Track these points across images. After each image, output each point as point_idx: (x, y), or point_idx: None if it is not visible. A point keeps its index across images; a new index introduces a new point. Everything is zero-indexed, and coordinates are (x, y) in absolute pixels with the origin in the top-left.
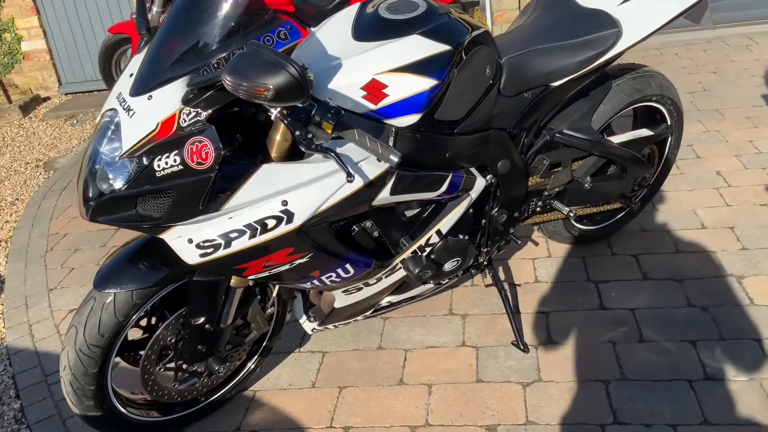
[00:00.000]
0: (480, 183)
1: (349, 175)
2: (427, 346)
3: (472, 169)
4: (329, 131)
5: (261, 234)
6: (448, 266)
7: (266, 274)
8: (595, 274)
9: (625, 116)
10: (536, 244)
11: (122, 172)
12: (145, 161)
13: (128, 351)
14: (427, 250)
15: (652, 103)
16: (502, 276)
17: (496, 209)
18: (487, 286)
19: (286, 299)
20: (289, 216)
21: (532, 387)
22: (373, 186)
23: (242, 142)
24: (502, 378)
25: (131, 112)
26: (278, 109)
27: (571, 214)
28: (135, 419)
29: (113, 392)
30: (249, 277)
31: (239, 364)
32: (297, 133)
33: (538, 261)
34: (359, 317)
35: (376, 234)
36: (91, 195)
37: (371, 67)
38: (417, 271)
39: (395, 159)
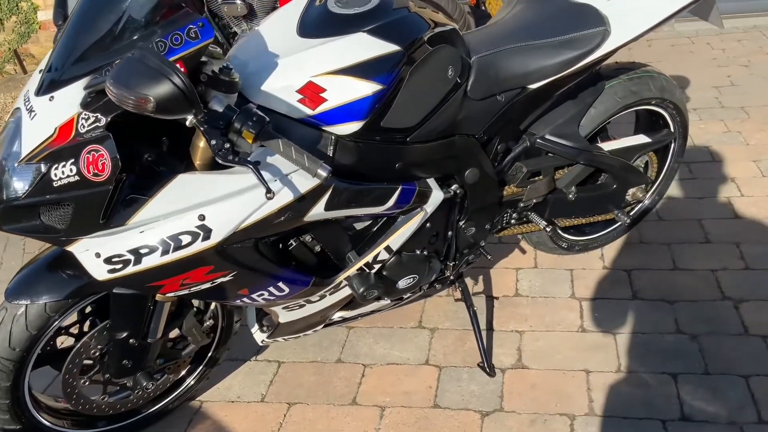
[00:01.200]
0: (436, 196)
1: (268, 191)
2: (388, 362)
3: (430, 181)
4: (250, 141)
5: (175, 251)
6: (402, 284)
7: (186, 292)
8: (582, 290)
9: (627, 121)
10: (523, 252)
11: (23, 178)
12: (43, 168)
13: (58, 359)
14: (376, 266)
15: (651, 106)
16: (480, 286)
17: (463, 221)
18: (456, 300)
19: (232, 309)
20: (207, 232)
21: (492, 417)
22: (305, 200)
23: (169, 145)
24: (461, 404)
25: (33, 114)
26: (193, 114)
27: (548, 229)
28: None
29: (35, 402)
30: (167, 295)
31: (180, 376)
32: (213, 142)
33: (522, 272)
34: (310, 332)
35: (317, 249)
36: None
37: (308, 69)
38: (362, 290)
39: (323, 174)
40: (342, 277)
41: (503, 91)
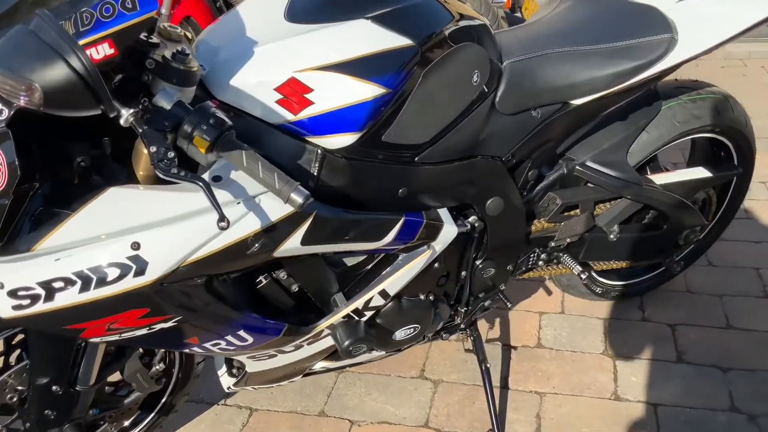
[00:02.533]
0: (449, 231)
1: (221, 218)
2: (380, 419)
3: (441, 212)
4: (203, 150)
5: (98, 288)
6: (399, 335)
7: (115, 338)
8: (617, 345)
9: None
10: (549, 293)
11: None
12: None
13: None
14: (368, 314)
15: (714, 135)
16: (495, 332)
17: (481, 260)
18: (466, 350)
19: None
20: (141, 266)
21: None
22: (275, 231)
23: (114, 149)
24: None
25: None
26: (129, 111)
27: (583, 276)
28: None
29: None
30: (91, 340)
31: (123, 427)
32: (153, 149)
33: (546, 317)
34: (286, 382)
35: (294, 288)
36: None
37: (292, 61)
38: (347, 343)
39: (298, 199)
40: (323, 325)
41: (540, 105)
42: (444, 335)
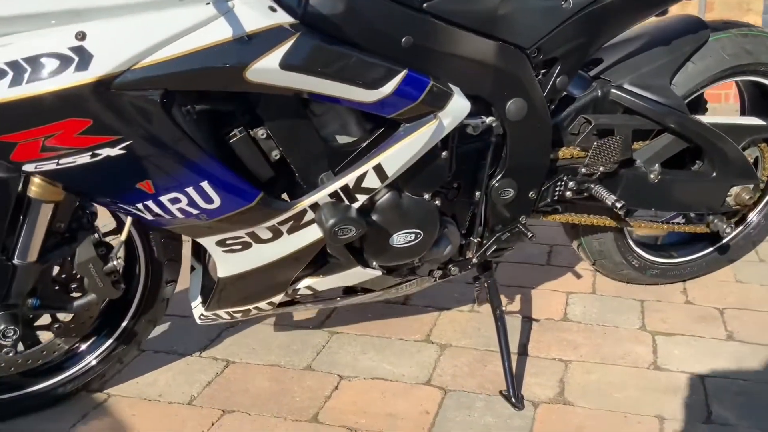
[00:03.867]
0: (459, 104)
1: None
2: (374, 376)
3: (452, 86)
4: None
5: (31, 80)
6: (397, 239)
7: (52, 165)
8: (656, 323)
9: None
10: (578, 276)
11: None
12: None
13: None
14: (361, 199)
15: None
16: (515, 306)
17: (498, 177)
18: (479, 304)
19: (160, 260)
20: (85, 60)
21: None
22: (251, 43)
23: None
24: None
25: None
26: None
27: (618, 205)
28: None
29: None
30: (25, 166)
31: (75, 347)
32: None
33: (575, 296)
34: (264, 305)
35: (275, 155)
36: None
37: None
38: (332, 221)
39: None
40: (306, 201)
41: None
42: (452, 269)
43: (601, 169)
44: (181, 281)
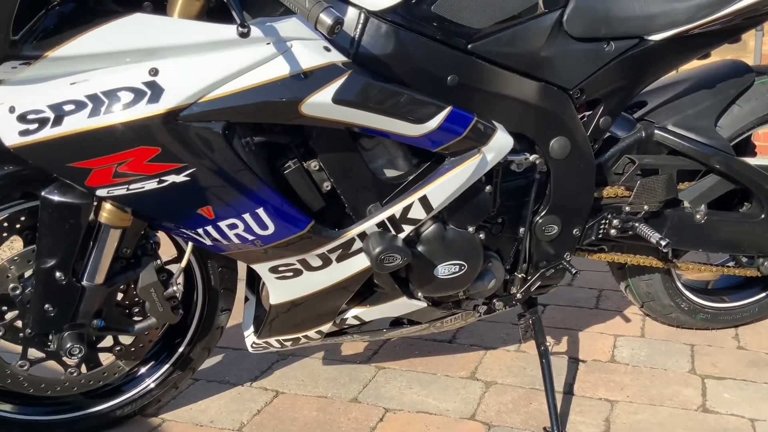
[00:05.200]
0: (502, 140)
1: (242, 23)
2: (419, 410)
3: (496, 123)
4: None
5: (108, 112)
6: (442, 270)
7: (122, 190)
8: (706, 366)
9: None
10: (627, 320)
11: None
12: None
13: None
14: (407, 229)
15: None
16: (562, 347)
17: (542, 214)
18: (524, 337)
19: (217, 289)
20: (156, 93)
21: None
22: (306, 79)
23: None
24: None
25: None
26: None
27: (662, 243)
28: None
29: None
30: (98, 191)
31: (134, 370)
32: None
33: (623, 339)
34: (313, 334)
35: (326, 186)
36: None
37: None
38: (378, 249)
39: (328, 21)
40: (355, 230)
41: (613, 36)
42: (497, 304)
43: (646, 207)
44: (233, 315)
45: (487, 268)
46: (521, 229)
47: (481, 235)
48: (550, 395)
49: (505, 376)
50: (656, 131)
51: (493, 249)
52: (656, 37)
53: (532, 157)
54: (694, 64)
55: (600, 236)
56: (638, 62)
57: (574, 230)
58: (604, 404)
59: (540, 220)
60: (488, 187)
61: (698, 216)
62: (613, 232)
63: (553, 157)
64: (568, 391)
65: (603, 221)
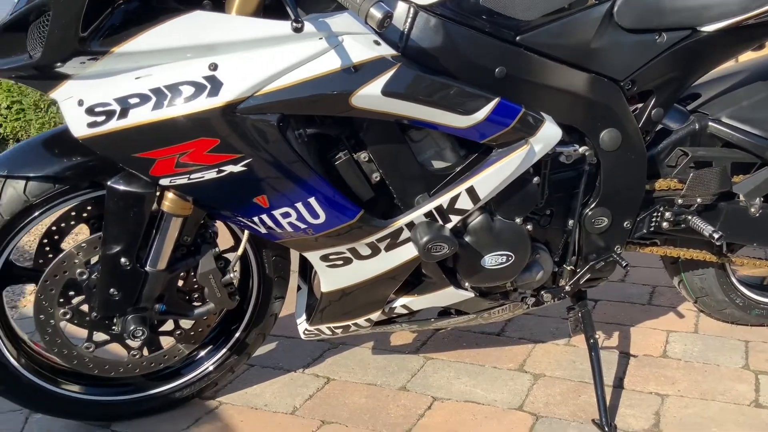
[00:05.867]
0: (551, 131)
1: (296, 19)
2: (466, 399)
3: (544, 114)
4: None
5: (170, 105)
6: (489, 260)
7: (184, 179)
8: (761, 363)
9: None
10: (680, 316)
11: None
12: None
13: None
14: (454, 219)
15: None
16: (613, 341)
17: (591, 206)
18: (573, 330)
19: (273, 277)
20: (216, 87)
21: None
22: (357, 73)
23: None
24: None
25: None
26: None
27: (716, 236)
28: (29, 380)
29: (3, 332)
30: (162, 180)
31: (194, 352)
32: None
33: (675, 335)
34: (363, 322)
35: (375, 177)
36: None
37: None
38: (426, 239)
39: (378, 15)
40: (402, 220)
41: (664, 28)
42: (545, 296)
43: (699, 200)
44: (286, 305)
45: (535, 259)
46: (570, 221)
47: (528, 227)
48: (599, 387)
49: (554, 369)
50: (710, 123)
51: (541, 240)
52: (709, 28)
53: (581, 149)
54: (748, 56)
55: (652, 229)
56: (691, 54)
57: (625, 223)
58: (655, 398)
59: (590, 212)
60: (536, 179)
61: (753, 210)
62: (665, 225)
63: (603, 148)
64: (618, 385)
65: (655, 214)
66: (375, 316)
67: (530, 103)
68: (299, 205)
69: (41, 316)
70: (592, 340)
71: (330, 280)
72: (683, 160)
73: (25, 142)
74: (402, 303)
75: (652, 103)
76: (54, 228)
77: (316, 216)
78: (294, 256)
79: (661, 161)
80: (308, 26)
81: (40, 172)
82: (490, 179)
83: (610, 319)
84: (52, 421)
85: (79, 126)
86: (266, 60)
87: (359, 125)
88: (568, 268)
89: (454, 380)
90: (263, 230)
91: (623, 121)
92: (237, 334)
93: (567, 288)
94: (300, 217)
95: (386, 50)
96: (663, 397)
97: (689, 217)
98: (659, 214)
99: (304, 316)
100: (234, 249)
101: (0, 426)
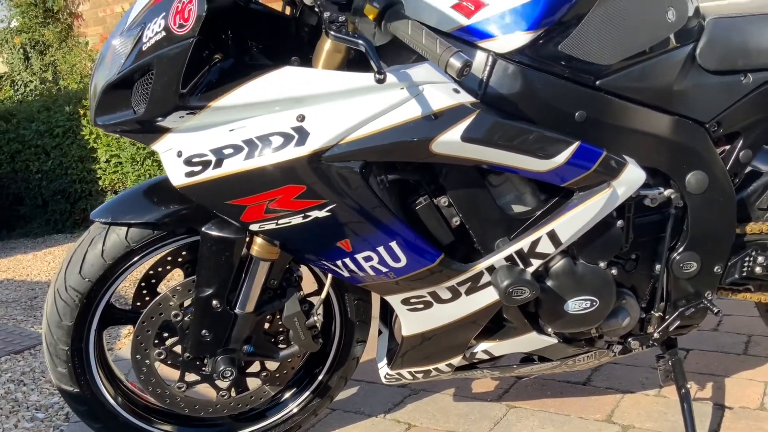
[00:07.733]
0: (634, 174)
1: (379, 71)
2: None
3: (626, 157)
4: (372, 17)
5: (261, 154)
6: (572, 305)
7: (272, 225)
8: None
9: None
10: None
11: (120, 55)
12: (138, 31)
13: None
14: (535, 264)
15: None
16: (707, 393)
17: (679, 250)
18: (664, 381)
19: (353, 321)
20: (303, 137)
21: None
22: (437, 120)
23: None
24: None
25: None
26: None
27: None
28: (125, 419)
29: (102, 372)
30: (251, 225)
31: (279, 394)
32: (326, 15)
33: None
34: (444, 367)
35: (455, 221)
36: (95, 92)
37: None
38: (506, 283)
39: (457, 64)
40: (483, 264)
41: (750, 69)
42: (632, 343)
43: None
44: (367, 350)
45: (621, 305)
46: (657, 266)
47: (613, 271)
48: None
49: (644, 420)
50: None
51: (627, 286)
52: None
53: (667, 192)
54: None
55: (744, 274)
56: None
57: (716, 268)
58: None
59: (678, 257)
60: (620, 222)
61: None
62: (758, 270)
63: (689, 191)
64: None
65: (747, 258)
66: (456, 361)
67: (612, 147)
68: (381, 249)
69: (138, 356)
70: (683, 391)
71: (411, 324)
72: None
73: (127, 191)
74: (483, 348)
75: (740, 144)
76: (151, 272)
77: (397, 260)
78: (375, 300)
79: (752, 204)
80: (390, 77)
81: (140, 219)
82: (572, 223)
83: (703, 369)
84: None
85: (177, 175)
86: (350, 110)
87: (439, 171)
88: (657, 314)
89: (539, 429)
90: (346, 273)
91: (710, 164)
92: (320, 377)
93: (655, 335)
94: (382, 261)
95: (465, 98)
96: None
97: None
98: (751, 258)
99: (385, 361)
100: (318, 293)
101: None
